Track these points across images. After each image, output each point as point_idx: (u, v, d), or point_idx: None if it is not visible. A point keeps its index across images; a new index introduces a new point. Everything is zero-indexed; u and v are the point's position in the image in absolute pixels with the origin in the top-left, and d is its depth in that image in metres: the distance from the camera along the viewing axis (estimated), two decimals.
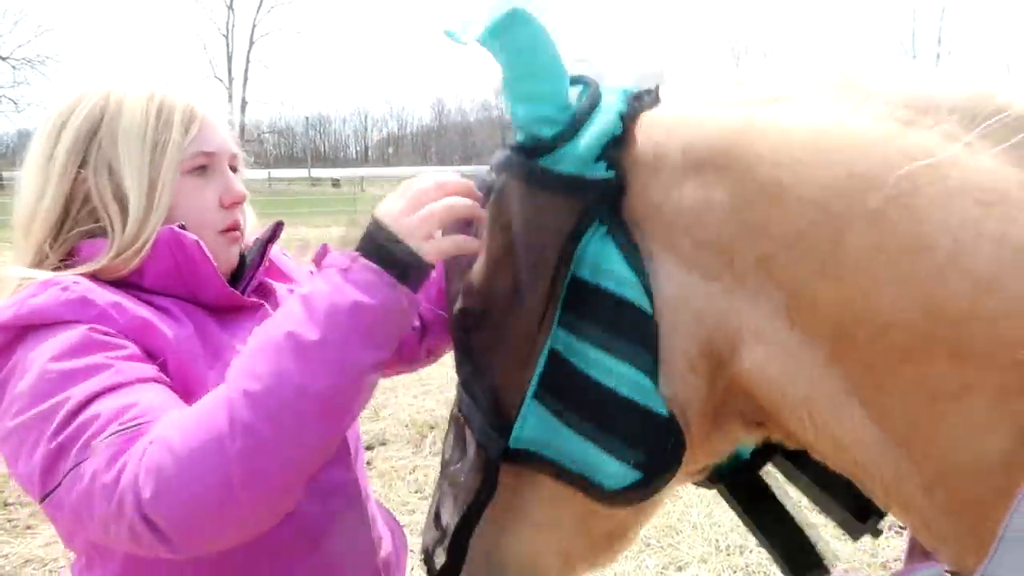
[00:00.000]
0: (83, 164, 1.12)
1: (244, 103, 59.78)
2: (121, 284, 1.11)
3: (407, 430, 4.91)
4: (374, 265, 0.92)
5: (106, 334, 1.02)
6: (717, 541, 3.50)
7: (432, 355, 1.44)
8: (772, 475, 1.15)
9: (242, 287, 1.25)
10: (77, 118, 1.13)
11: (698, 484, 1.17)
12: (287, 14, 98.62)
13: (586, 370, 0.89)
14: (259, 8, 62.50)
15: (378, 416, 5.10)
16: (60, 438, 0.92)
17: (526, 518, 0.98)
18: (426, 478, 4.16)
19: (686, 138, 0.87)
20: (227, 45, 62.91)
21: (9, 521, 3.66)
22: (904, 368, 0.75)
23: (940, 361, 0.72)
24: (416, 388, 5.65)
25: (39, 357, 0.98)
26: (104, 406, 0.93)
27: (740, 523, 1.20)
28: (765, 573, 3.25)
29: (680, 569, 3.32)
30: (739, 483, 1.14)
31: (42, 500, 0.94)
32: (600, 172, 0.88)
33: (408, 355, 1.39)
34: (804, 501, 1.13)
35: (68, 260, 1.13)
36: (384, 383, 1.32)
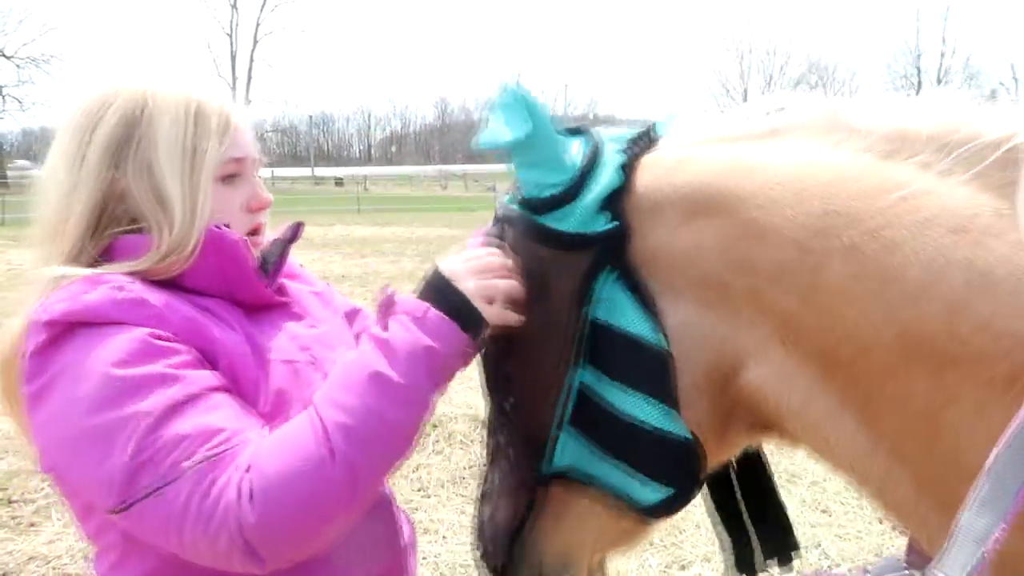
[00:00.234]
0: (118, 165, 1.12)
1: (248, 102, 59.86)
2: (163, 283, 1.11)
3: None
4: (445, 316, 1.03)
5: (164, 339, 1.04)
6: (720, 540, 3.50)
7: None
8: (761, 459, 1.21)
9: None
10: (112, 117, 1.12)
11: None
12: (291, 13, 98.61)
13: (612, 404, 0.98)
14: (263, 7, 62.74)
15: None
16: (144, 454, 0.96)
17: (564, 523, 1.08)
18: (428, 476, 4.16)
19: (678, 183, 0.97)
20: (231, 44, 63.13)
21: (13, 519, 3.67)
22: (888, 385, 0.82)
23: (920, 379, 0.80)
24: None
25: (98, 361, 0.99)
26: (186, 425, 0.98)
27: None
28: (767, 572, 3.24)
29: (683, 568, 3.32)
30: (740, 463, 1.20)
31: (116, 509, 0.97)
32: (603, 225, 0.98)
33: None
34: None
35: (103, 257, 1.12)
36: None
